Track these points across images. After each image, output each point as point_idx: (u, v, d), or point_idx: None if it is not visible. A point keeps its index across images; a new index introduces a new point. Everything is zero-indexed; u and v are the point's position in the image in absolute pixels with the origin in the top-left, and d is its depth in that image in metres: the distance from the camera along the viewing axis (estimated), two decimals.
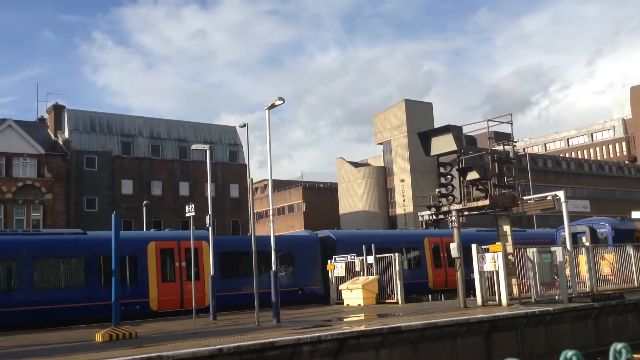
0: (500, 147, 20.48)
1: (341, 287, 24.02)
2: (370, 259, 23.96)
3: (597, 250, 20.49)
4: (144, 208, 38.73)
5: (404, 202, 62.26)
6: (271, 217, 17.77)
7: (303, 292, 26.15)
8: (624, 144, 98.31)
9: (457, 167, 18.63)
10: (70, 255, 21.75)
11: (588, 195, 74.27)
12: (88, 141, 45.23)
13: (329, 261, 25.55)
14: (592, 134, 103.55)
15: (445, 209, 18.98)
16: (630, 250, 20.55)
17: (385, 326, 12.85)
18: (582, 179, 77.37)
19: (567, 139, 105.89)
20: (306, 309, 22.16)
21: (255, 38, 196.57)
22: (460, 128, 18.92)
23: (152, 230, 32.52)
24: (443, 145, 18.64)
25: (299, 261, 26.60)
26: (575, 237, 23.89)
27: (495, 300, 17.82)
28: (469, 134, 61.37)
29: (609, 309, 17.27)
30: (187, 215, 17.49)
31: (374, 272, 23.65)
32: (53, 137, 45.92)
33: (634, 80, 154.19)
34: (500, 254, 17.52)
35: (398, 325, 13.00)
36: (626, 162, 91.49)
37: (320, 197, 72.77)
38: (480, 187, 18.52)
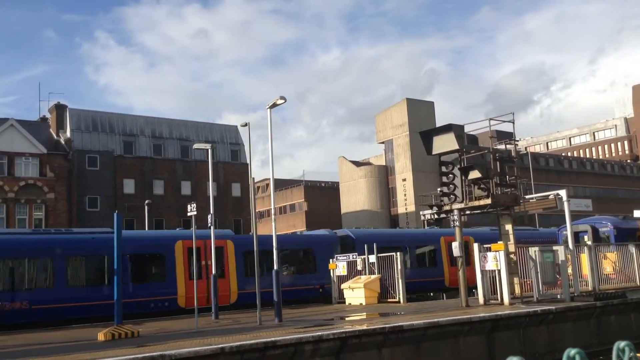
0: (502, 146, 20.47)
1: (343, 286, 24.03)
2: (372, 258, 23.97)
3: (599, 249, 20.46)
4: (145, 207, 38.78)
5: (405, 201, 62.25)
6: (273, 216, 17.77)
7: (324, 290, 26.44)
8: (626, 142, 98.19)
9: (459, 166, 18.60)
10: (101, 253, 21.94)
11: (590, 194, 74.14)
12: (90, 140, 45.29)
13: (330, 260, 25.59)
14: (594, 133, 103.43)
15: (447, 208, 18.96)
16: (632, 249, 20.50)
17: (387, 325, 12.84)
18: (584, 178, 77.28)
19: (569, 138, 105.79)
20: (308, 308, 22.17)
21: (257, 37, 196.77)
22: (462, 127, 18.89)
23: (177, 229, 32.68)
24: (445, 144, 18.61)
25: (320, 259, 27.02)
26: (577, 236, 23.87)
27: (497, 299, 17.81)
28: (471, 132, 61.02)
29: (611, 308, 17.25)
30: (189, 214, 17.52)
31: (376, 271, 23.67)
32: (55, 137, 45.97)
33: (636, 79, 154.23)
34: (502, 253, 17.50)
35: (400, 324, 12.99)
36: (628, 160, 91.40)
37: (322, 196, 72.78)
38: (482, 186, 18.50)
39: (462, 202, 18.46)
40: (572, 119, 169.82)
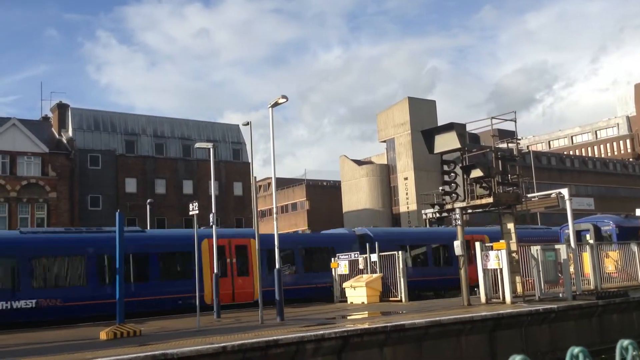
0: (504, 145, 20.45)
1: (345, 284, 24.04)
2: (374, 257, 23.97)
3: (602, 248, 20.44)
4: (147, 206, 38.80)
5: (407, 199, 62.22)
6: (274, 215, 17.77)
7: None
8: (628, 141, 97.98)
9: (460, 165, 18.59)
10: (131, 251, 22.16)
11: (592, 192, 74.06)
12: (92, 140, 45.33)
13: (332, 259, 25.59)
14: (596, 132, 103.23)
15: (448, 206, 18.95)
16: (634, 247, 20.48)
17: (389, 324, 12.84)
18: (586, 177, 77.17)
19: (571, 137, 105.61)
20: (310, 307, 22.18)
21: (259, 36, 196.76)
22: (464, 126, 18.88)
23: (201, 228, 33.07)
24: (447, 143, 18.60)
25: None
26: (579, 235, 23.85)
27: (499, 298, 17.80)
28: (473, 131, 60.79)
29: (613, 306, 17.22)
30: (190, 213, 17.54)
31: (377, 270, 23.67)
32: (57, 136, 46.01)
33: (638, 78, 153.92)
34: (504, 252, 17.48)
35: (402, 323, 12.99)
36: (630, 159, 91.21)
37: (323, 195, 72.77)
38: (484, 184, 18.49)
39: (464, 200, 18.46)
40: (574, 118, 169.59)
